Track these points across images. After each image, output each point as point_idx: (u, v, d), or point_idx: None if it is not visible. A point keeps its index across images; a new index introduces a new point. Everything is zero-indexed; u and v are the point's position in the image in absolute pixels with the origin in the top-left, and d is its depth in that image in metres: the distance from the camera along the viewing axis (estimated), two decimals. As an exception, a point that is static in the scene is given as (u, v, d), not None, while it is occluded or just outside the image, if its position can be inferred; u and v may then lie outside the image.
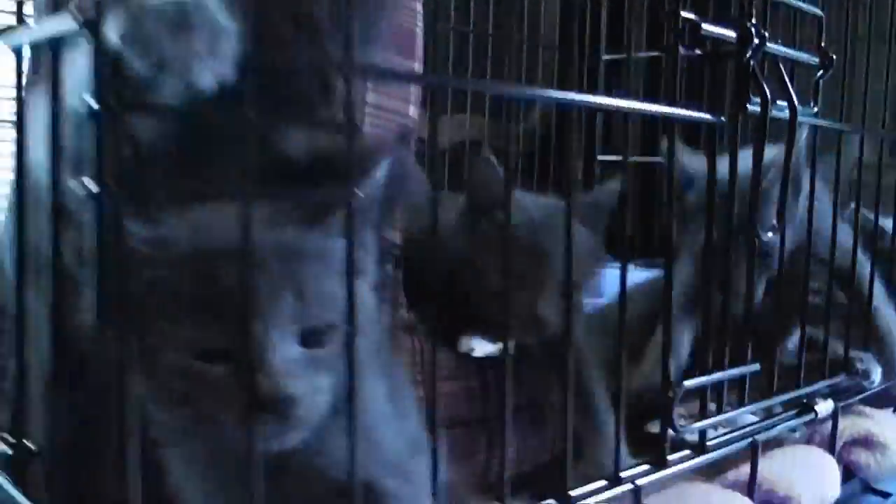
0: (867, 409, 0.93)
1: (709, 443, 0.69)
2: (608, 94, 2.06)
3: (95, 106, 0.38)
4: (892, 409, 0.99)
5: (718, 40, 0.64)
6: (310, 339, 0.43)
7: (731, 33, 0.64)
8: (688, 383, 0.65)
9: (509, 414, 0.53)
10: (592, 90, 1.74)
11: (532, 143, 1.90)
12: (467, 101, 1.49)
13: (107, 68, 0.38)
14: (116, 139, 0.39)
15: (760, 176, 0.68)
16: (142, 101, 0.39)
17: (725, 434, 0.71)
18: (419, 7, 0.85)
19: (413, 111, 0.80)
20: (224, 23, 0.39)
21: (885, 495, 0.96)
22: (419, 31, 0.94)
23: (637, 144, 1.37)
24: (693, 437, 0.67)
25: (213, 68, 0.38)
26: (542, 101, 0.84)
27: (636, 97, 0.62)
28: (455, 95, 1.46)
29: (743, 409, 0.72)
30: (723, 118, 0.65)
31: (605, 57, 1.75)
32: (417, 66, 0.81)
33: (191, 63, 0.38)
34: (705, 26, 0.61)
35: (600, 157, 1.74)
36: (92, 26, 0.38)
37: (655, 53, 1.29)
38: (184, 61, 0.37)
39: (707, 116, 0.64)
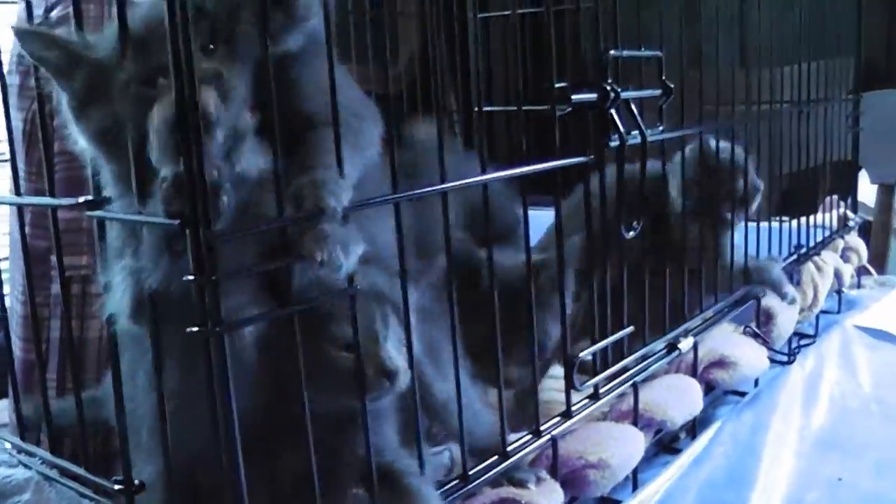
0: (721, 335, 1.19)
1: (601, 391, 0.93)
2: (485, 50, 2.26)
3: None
4: (742, 329, 1.26)
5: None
6: None
7: (592, 95, 0.85)
8: (582, 354, 0.88)
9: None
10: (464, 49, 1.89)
11: (400, 85, 2.12)
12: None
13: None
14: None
15: (624, 189, 0.91)
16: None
17: (614, 381, 0.95)
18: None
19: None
20: None
21: (742, 394, 1.24)
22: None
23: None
24: (590, 390, 0.91)
25: None
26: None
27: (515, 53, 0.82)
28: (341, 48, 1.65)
29: (625, 361, 0.96)
30: (591, 156, 0.87)
31: (480, 15, 1.94)
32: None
33: None
34: (574, 96, 0.82)
35: (486, 109, 1.93)
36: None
37: (533, 10, 1.47)
38: None
39: (581, 159, 0.85)
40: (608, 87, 0.85)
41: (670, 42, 0.99)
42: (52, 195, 0.66)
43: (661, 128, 0.97)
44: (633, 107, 0.90)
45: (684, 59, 1.02)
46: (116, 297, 0.61)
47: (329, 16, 0.62)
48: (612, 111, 0.86)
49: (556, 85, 0.82)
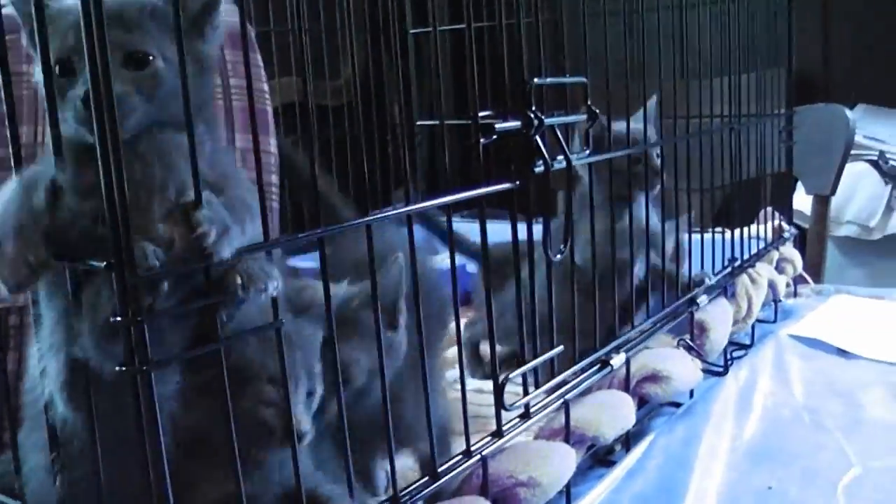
0: (654, 349, 1.22)
1: (532, 410, 0.95)
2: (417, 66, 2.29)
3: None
4: (676, 343, 1.29)
5: (509, 127, 0.87)
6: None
7: (516, 123, 0.87)
8: (512, 375, 0.90)
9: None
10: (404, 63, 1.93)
11: (345, 96, 2.16)
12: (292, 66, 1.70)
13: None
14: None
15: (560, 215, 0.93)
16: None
17: (545, 399, 0.97)
18: (266, 87, 1.06)
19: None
20: None
21: (677, 405, 1.27)
22: (269, 108, 1.14)
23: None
24: (520, 410, 0.93)
25: None
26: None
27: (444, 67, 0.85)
28: (281, 61, 1.70)
29: (556, 381, 0.98)
30: (518, 182, 0.89)
31: (412, 31, 1.98)
32: (272, 141, 1.02)
33: None
34: (497, 125, 0.84)
35: (419, 123, 1.95)
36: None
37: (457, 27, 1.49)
38: None
39: (506, 185, 0.87)
40: (532, 115, 0.87)
41: (599, 64, 1.02)
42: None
43: (587, 151, 0.99)
44: (558, 132, 0.93)
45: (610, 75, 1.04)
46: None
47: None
48: (537, 138, 0.88)
49: (480, 114, 0.84)
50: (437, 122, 0.84)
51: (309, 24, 0.71)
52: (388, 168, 2.02)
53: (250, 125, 0.82)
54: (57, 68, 0.60)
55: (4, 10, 0.65)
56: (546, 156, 0.89)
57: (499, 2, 0.89)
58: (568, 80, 0.95)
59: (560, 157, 0.93)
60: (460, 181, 0.85)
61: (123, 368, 0.55)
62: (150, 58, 0.62)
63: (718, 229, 1.49)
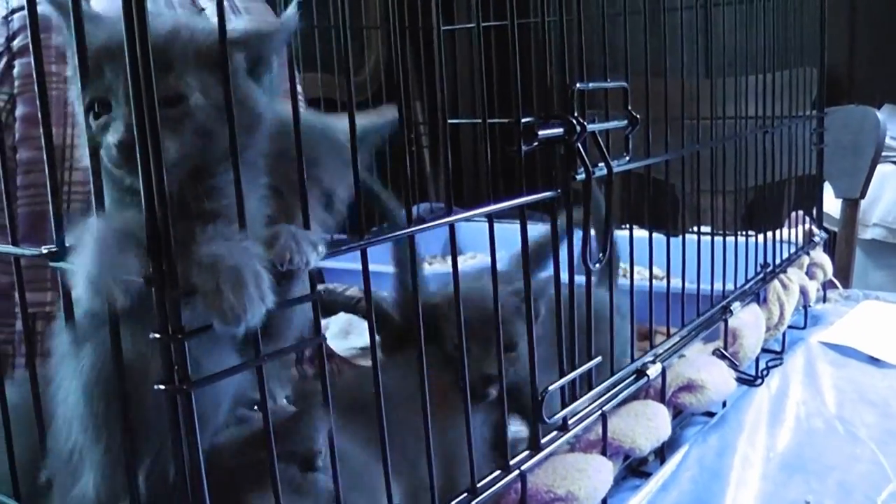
0: (689, 358, 1.20)
1: (570, 422, 0.93)
2: (448, 64, 2.28)
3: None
4: (710, 351, 1.27)
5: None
6: None
7: (559, 130, 0.85)
8: (551, 388, 0.88)
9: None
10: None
11: (365, 92, 2.15)
12: (317, 62, 1.69)
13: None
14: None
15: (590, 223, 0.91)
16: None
17: (583, 411, 0.95)
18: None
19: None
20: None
21: (710, 414, 1.25)
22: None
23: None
24: (559, 422, 0.91)
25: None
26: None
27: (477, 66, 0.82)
28: (306, 58, 1.69)
29: (593, 393, 0.96)
30: (558, 190, 0.87)
31: (445, 27, 1.96)
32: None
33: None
34: (540, 132, 0.82)
35: (450, 121, 1.94)
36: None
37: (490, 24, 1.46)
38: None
39: (548, 193, 0.85)
40: (574, 121, 0.85)
41: (636, 61, 0.99)
42: (14, 241, 0.65)
43: (627, 158, 0.97)
44: (599, 138, 0.90)
45: (649, 73, 1.02)
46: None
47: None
48: (579, 145, 0.86)
49: (522, 121, 0.82)
50: (474, 121, 0.82)
51: (333, 21, 0.68)
52: (413, 168, 2.01)
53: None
54: (94, 104, 0.59)
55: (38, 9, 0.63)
56: (588, 163, 0.87)
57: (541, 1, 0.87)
58: (610, 84, 0.93)
59: (600, 164, 0.91)
60: (494, 184, 0.83)
61: (164, 387, 0.54)
62: (185, 97, 0.60)
63: (748, 232, 1.47)
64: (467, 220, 0.76)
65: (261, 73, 0.65)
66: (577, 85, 0.87)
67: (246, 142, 0.64)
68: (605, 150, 0.91)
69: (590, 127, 0.87)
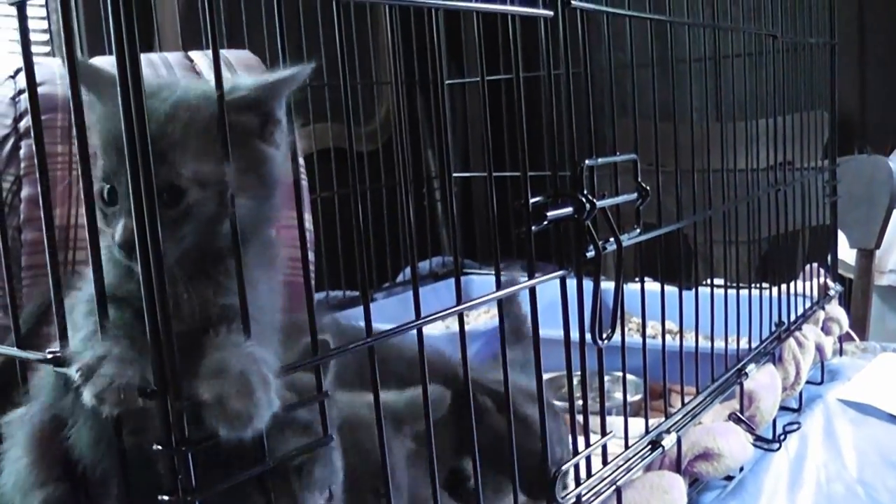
0: (703, 427, 1.18)
1: (583, 499, 0.91)
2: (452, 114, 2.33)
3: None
4: (727, 416, 1.25)
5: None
6: None
7: (569, 209, 0.84)
8: (564, 467, 0.87)
9: None
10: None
11: (376, 141, 2.17)
12: (327, 112, 1.70)
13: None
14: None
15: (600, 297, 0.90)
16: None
17: (596, 487, 0.94)
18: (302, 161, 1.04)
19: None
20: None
21: (729, 478, 1.23)
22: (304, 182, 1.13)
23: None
24: (572, 500, 0.90)
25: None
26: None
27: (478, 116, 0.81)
28: (315, 108, 1.70)
29: (607, 469, 0.95)
30: (569, 268, 0.86)
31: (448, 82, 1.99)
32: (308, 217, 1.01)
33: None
34: (549, 213, 0.81)
35: (455, 175, 1.95)
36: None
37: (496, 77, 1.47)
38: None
39: (560, 273, 0.85)
40: (584, 199, 0.84)
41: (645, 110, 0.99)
42: (19, 342, 0.64)
43: (637, 231, 0.96)
44: (608, 214, 0.90)
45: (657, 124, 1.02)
46: None
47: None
48: (588, 223, 0.86)
49: (532, 201, 0.81)
50: (477, 174, 0.82)
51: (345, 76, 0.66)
52: (425, 221, 2.01)
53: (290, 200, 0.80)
54: (104, 191, 0.58)
55: (41, 90, 0.63)
56: (597, 241, 0.87)
57: (547, 55, 0.86)
58: (619, 157, 0.93)
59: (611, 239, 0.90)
60: (506, 240, 0.83)
61: (167, 499, 0.53)
62: (184, 191, 0.57)
63: (761, 285, 1.45)
64: (474, 307, 0.76)
65: (272, 132, 0.62)
66: (587, 162, 0.87)
67: (266, 213, 0.63)
68: (615, 226, 0.90)
69: (599, 203, 0.87)
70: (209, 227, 0.59)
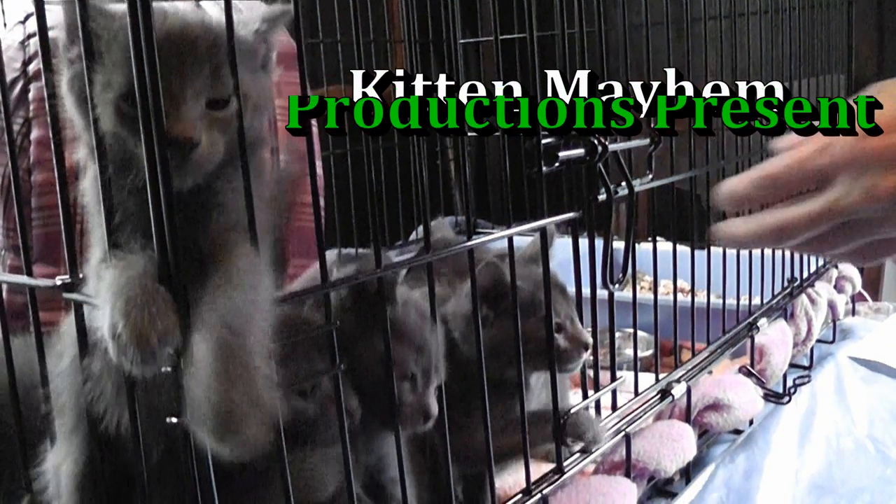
0: (714, 378, 1.18)
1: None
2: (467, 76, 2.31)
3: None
4: (738, 369, 1.25)
5: (572, 154, 0.84)
6: None
7: (580, 151, 0.84)
8: (573, 410, 0.87)
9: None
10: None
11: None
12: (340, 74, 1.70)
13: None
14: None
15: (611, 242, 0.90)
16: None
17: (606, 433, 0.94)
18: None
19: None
20: None
21: (738, 431, 1.23)
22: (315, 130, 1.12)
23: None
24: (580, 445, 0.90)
25: None
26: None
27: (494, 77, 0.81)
28: (328, 69, 1.70)
29: (616, 413, 0.95)
30: (581, 211, 0.86)
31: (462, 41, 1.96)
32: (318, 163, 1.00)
33: None
34: (561, 154, 0.81)
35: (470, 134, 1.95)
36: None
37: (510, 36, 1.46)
38: None
39: (571, 214, 0.84)
40: (596, 141, 0.84)
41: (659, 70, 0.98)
42: (29, 270, 0.65)
43: (650, 176, 0.96)
44: (620, 157, 0.89)
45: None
46: None
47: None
48: (600, 165, 0.85)
49: (543, 142, 0.81)
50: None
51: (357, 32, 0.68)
52: (438, 180, 2.00)
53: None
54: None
55: (51, 35, 0.62)
56: (609, 184, 0.86)
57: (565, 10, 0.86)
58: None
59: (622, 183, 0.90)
60: (518, 196, 0.82)
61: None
62: (230, 98, 0.59)
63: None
64: (484, 244, 0.76)
65: (268, 60, 0.65)
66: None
67: (261, 132, 0.65)
68: (626, 169, 0.89)
69: (612, 147, 0.86)
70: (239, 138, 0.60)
